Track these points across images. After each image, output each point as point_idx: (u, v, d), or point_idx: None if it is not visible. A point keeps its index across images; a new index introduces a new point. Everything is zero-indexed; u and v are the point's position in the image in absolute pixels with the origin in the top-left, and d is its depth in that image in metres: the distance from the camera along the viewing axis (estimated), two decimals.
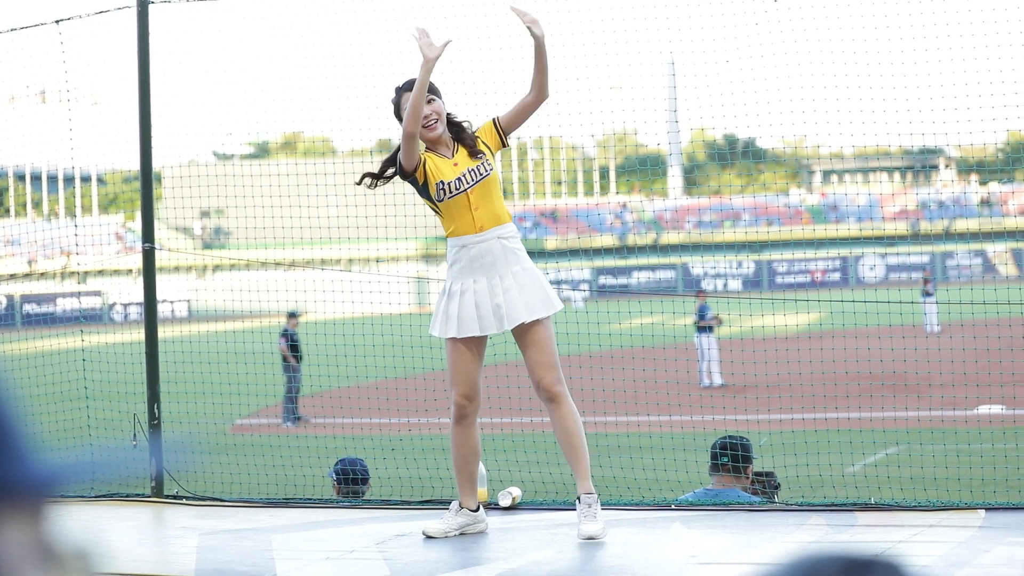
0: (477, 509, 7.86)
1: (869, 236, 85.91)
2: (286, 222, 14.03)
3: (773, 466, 10.69)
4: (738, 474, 9.40)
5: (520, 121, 7.53)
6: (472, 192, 7.38)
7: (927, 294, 40.54)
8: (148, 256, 10.08)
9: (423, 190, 7.46)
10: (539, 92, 7.35)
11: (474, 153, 7.42)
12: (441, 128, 7.44)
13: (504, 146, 7.56)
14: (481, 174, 7.38)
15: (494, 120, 7.52)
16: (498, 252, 7.38)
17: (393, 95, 7.57)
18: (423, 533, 7.73)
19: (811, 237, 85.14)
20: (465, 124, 7.56)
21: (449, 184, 7.40)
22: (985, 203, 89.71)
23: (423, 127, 7.36)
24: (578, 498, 7.53)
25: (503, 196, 7.56)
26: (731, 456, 9.37)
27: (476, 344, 7.50)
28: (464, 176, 7.39)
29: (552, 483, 10.96)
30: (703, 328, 30.36)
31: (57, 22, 10.32)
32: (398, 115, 7.50)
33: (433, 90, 7.43)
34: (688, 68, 12.52)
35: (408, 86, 7.46)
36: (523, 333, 7.41)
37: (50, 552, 1.16)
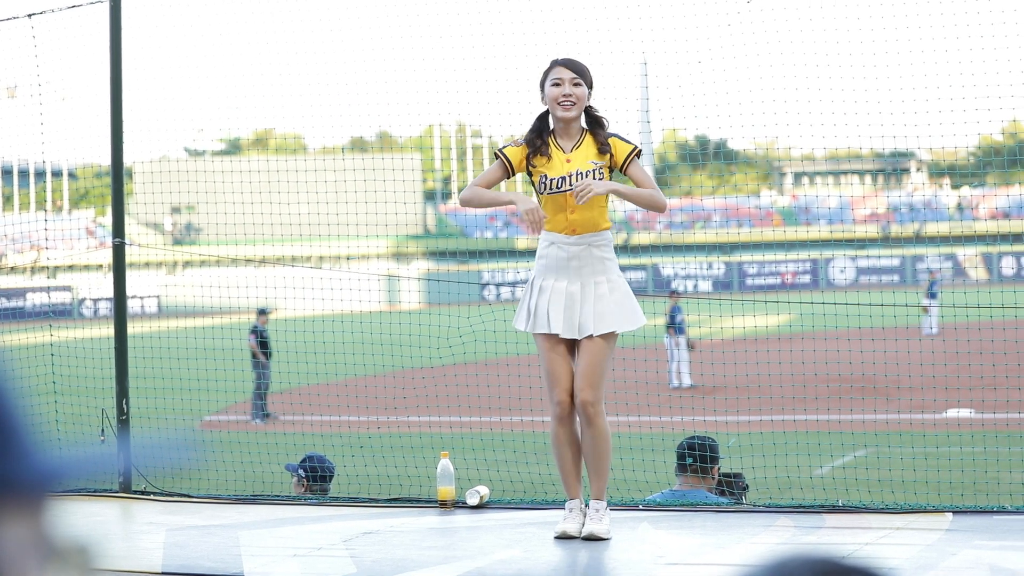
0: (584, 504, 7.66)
1: (840, 238, 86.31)
2: (257, 219, 14.02)
3: (741, 467, 10.71)
4: (705, 475, 9.40)
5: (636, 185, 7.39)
6: (572, 195, 7.27)
7: (931, 295, 40.57)
8: (118, 251, 10.05)
9: (530, 177, 7.40)
10: (652, 210, 7.28)
11: (602, 152, 7.30)
12: (576, 112, 7.30)
13: (622, 171, 7.40)
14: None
15: (633, 152, 7.31)
16: (586, 259, 7.26)
17: (547, 66, 7.42)
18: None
19: (782, 239, 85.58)
20: (604, 121, 7.40)
21: (552, 180, 7.28)
22: (958, 207, 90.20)
23: (560, 106, 7.25)
24: (588, 503, 7.49)
25: (606, 205, 7.45)
26: (698, 457, 9.38)
27: (566, 341, 7.38)
28: (570, 176, 7.26)
29: (520, 482, 10.96)
30: (672, 331, 30.33)
31: (29, 16, 10.28)
32: (542, 85, 7.40)
33: (584, 74, 7.31)
34: (660, 68, 12.55)
35: (561, 61, 7.36)
36: (583, 342, 7.33)
37: (51, 548, 1.14)
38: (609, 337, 7.28)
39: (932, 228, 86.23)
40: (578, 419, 7.45)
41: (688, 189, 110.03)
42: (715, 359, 28.11)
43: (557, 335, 7.27)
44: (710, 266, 79.80)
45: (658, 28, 11.07)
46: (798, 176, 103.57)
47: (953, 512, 8.13)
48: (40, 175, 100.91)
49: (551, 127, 7.41)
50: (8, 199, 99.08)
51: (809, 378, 26.36)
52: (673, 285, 75.01)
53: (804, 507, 8.47)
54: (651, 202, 7.23)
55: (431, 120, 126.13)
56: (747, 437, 16.20)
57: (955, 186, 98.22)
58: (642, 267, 79.40)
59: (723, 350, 30.39)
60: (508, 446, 12.12)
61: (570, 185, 7.21)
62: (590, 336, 7.24)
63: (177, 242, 78.30)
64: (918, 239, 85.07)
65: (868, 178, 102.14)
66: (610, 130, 7.37)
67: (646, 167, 7.22)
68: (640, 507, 8.75)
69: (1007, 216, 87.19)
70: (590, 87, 7.34)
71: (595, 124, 7.38)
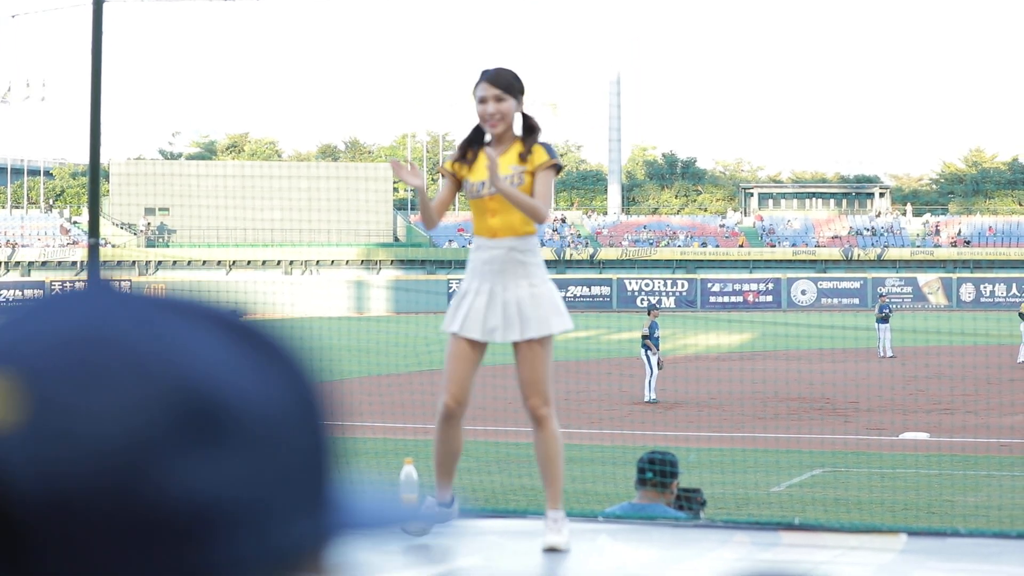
0: (451, 504, 7.83)
1: (803, 260, 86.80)
2: (230, 223, 14.10)
3: (700, 483, 10.84)
4: (663, 489, 9.51)
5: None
6: (492, 199, 7.35)
7: (882, 320, 40.50)
8: (93, 251, 10.12)
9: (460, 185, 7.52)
10: (531, 219, 7.40)
11: (523, 159, 7.39)
12: (502, 128, 7.37)
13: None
14: (510, 184, 7.38)
15: (547, 164, 7.43)
16: (506, 262, 7.33)
17: (478, 78, 7.55)
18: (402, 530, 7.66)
19: (746, 259, 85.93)
20: (537, 129, 7.47)
21: (474, 184, 7.40)
22: (920, 234, 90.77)
23: (486, 122, 7.38)
24: (546, 513, 7.55)
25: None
26: (657, 472, 9.49)
27: (474, 347, 7.45)
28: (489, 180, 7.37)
29: (483, 490, 11.07)
30: (649, 345, 30.24)
31: (12, 16, 10.35)
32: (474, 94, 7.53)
33: (509, 87, 7.43)
34: (633, 86, 12.71)
35: (486, 75, 7.48)
36: (517, 350, 7.41)
37: None
38: (543, 342, 7.37)
39: (894, 253, 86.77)
40: (533, 427, 7.53)
41: (655, 207, 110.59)
42: (677, 375, 28.27)
43: (465, 337, 7.38)
44: (674, 283, 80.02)
45: (632, 46, 11.24)
46: (763, 197, 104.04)
47: (908, 533, 8.25)
48: (17, 173, 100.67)
49: (487, 137, 7.53)
50: None
51: (769, 397, 26.53)
52: (638, 301, 75.22)
53: (761, 524, 8.59)
54: (530, 212, 7.34)
55: (404, 130, 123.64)
56: (707, 453, 16.33)
57: (917, 212, 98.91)
58: (607, 282, 79.60)
59: (685, 366, 30.53)
60: (471, 455, 12.18)
61: (490, 188, 7.32)
62: (529, 342, 7.33)
63: (150, 243, 78.20)
64: (880, 263, 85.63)
65: (832, 202, 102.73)
66: (540, 139, 7.47)
67: (551, 184, 7.28)
68: (599, 519, 8.85)
69: (967, 243, 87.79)
70: (519, 96, 7.43)
71: (528, 131, 7.47)
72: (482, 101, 7.40)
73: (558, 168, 7.40)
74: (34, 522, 0.84)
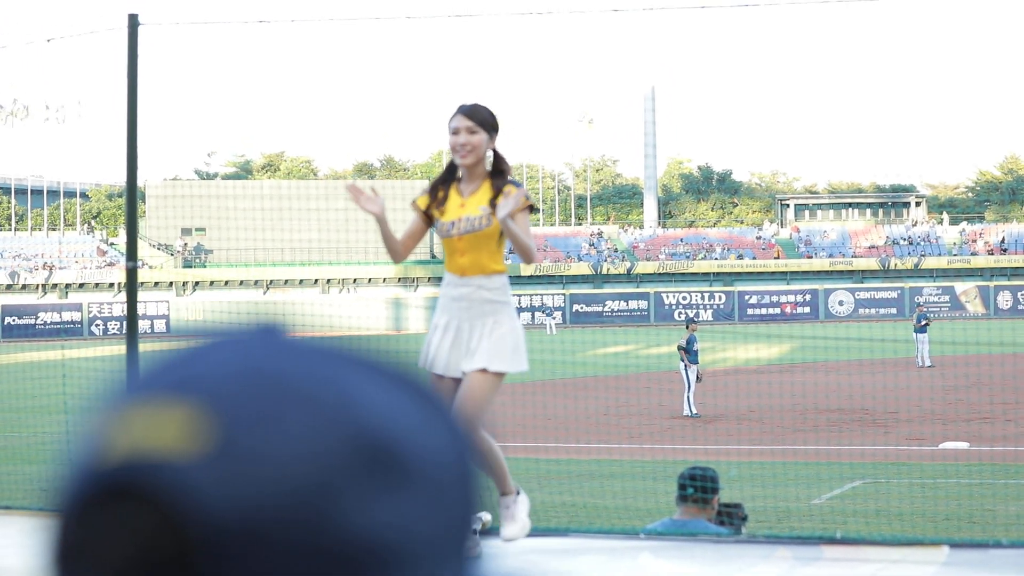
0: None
1: (840, 270, 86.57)
2: (267, 242, 14.15)
3: (741, 497, 10.83)
4: (705, 505, 9.51)
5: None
6: (461, 239, 7.41)
7: (921, 329, 40.28)
8: (131, 274, 10.18)
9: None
10: (522, 257, 7.47)
11: (491, 201, 7.44)
12: (472, 159, 7.44)
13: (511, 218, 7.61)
14: (475, 226, 7.40)
15: (527, 207, 7.50)
16: (474, 300, 7.41)
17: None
18: None
19: (783, 270, 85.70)
20: (506, 169, 7.53)
21: (443, 224, 7.46)
22: (957, 243, 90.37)
23: (456, 153, 7.44)
24: (499, 502, 7.60)
25: (500, 250, 7.58)
26: (698, 487, 9.49)
27: (450, 379, 7.52)
28: (459, 221, 7.41)
29: None
30: (687, 358, 30.19)
31: (48, 40, 10.45)
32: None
33: (483, 122, 7.49)
34: (668, 100, 12.74)
35: (463, 109, 7.54)
36: (466, 373, 7.45)
37: None
38: (492, 375, 7.37)
39: (931, 262, 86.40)
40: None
41: (691, 220, 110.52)
42: (716, 389, 28.22)
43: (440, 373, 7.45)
44: (712, 296, 79.85)
45: (666, 60, 11.26)
46: (799, 208, 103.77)
47: (950, 545, 8.23)
48: (53, 194, 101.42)
49: (459, 173, 7.57)
50: (21, 218, 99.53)
51: (808, 409, 26.47)
52: (675, 315, 75.10)
53: (803, 538, 8.58)
54: (524, 251, 7.38)
55: (438, 147, 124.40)
56: (747, 467, 16.30)
57: (954, 221, 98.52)
58: (644, 296, 79.49)
59: (724, 380, 30.47)
60: (512, 472, 12.20)
61: (459, 229, 7.37)
62: (479, 370, 7.36)
63: (187, 264, 78.52)
64: (917, 272, 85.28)
65: (868, 212, 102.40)
66: (510, 178, 7.51)
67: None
68: (641, 536, 8.86)
69: (1004, 251, 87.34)
70: (492, 132, 7.48)
71: (497, 172, 7.51)
72: (455, 132, 7.46)
73: (533, 208, 7.49)
74: (216, 549, 0.87)
